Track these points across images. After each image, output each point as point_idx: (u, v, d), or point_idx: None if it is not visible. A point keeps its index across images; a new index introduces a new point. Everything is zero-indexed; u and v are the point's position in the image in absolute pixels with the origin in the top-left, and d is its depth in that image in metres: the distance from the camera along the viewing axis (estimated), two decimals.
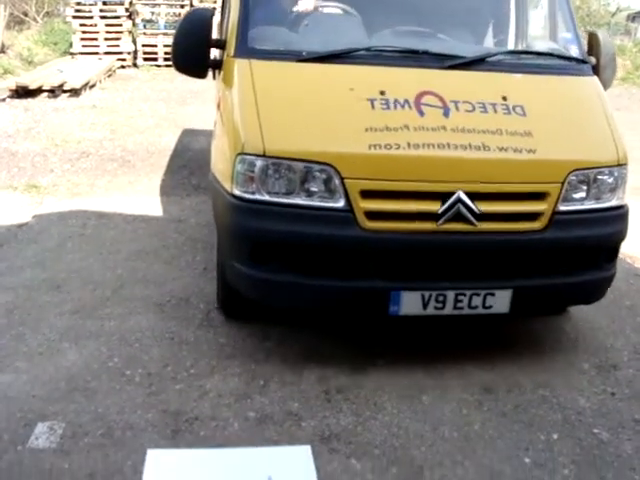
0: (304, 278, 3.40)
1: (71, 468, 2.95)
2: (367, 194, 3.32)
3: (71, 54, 16.20)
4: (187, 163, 7.82)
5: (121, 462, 2.99)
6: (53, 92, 11.49)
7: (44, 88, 11.53)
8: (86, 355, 3.80)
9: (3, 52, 15.38)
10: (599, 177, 3.62)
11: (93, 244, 5.39)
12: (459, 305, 3.46)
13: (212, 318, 4.12)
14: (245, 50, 3.75)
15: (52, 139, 8.73)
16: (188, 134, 9.21)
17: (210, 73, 4.24)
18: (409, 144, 3.34)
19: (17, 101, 11.01)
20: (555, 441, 3.26)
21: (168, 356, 3.82)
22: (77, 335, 4.01)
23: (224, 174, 3.61)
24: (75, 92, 11.64)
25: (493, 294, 3.48)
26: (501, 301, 3.51)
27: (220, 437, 3.19)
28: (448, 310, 3.47)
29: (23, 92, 11.31)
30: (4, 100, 11.08)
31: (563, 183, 3.51)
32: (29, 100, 11.10)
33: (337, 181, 3.31)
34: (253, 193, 3.38)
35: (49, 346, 3.89)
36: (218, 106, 4.30)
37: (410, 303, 3.43)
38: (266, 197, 3.37)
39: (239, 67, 3.71)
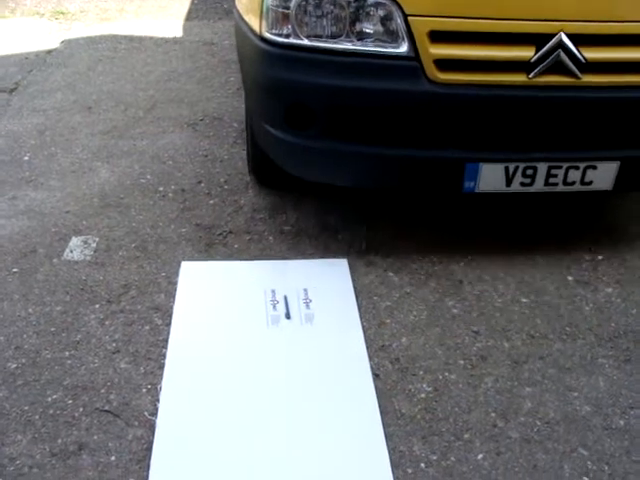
0: (354, 146, 2.75)
1: (106, 279, 2.93)
2: (438, 36, 2.56)
3: None
4: None
5: (155, 273, 2.96)
6: None
7: None
8: (118, 173, 3.73)
9: None
10: None
11: (124, 67, 5.24)
12: (552, 181, 2.81)
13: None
14: None
15: None
16: None
17: None
18: None
19: None
20: (600, 261, 3.15)
21: (201, 173, 3.74)
22: (109, 154, 3.94)
23: (251, 10, 2.89)
24: None
25: (595, 167, 2.79)
26: (604, 176, 2.83)
27: (255, 250, 3.13)
28: (538, 187, 2.83)
29: None
30: None
31: None
32: None
33: (399, 19, 2.56)
34: (288, 36, 2.66)
35: (81, 165, 3.83)
36: None
37: (490, 178, 2.78)
38: (305, 41, 2.64)
39: None
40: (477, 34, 2.57)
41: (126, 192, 3.55)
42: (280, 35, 2.68)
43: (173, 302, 2.78)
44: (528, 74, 2.62)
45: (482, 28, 2.56)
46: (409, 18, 2.55)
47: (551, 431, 2.30)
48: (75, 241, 3.16)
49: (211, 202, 3.47)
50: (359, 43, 2.63)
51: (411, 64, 2.61)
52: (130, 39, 5.85)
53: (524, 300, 2.89)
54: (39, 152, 3.97)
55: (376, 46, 2.62)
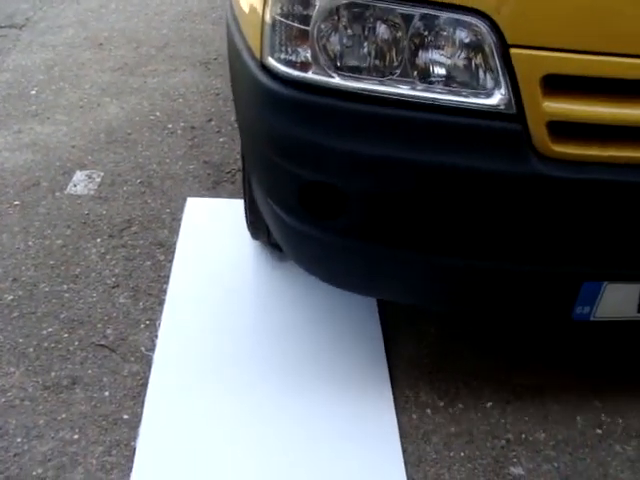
0: (406, 253, 1.72)
1: (109, 213, 2.84)
2: (557, 83, 1.50)
3: None
4: None
5: (159, 210, 2.87)
6: None
7: None
8: (127, 109, 3.62)
9: None
10: None
11: (138, 5, 5.09)
12: None
13: None
14: None
15: None
16: None
17: None
18: None
19: None
20: None
21: (212, 111, 3.61)
22: (119, 90, 3.82)
23: (249, 21, 1.79)
24: None
25: None
26: None
27: None
28: None
29: None
30: None
31: None
32: None
33: (494, 50, 1.49)
34: (306, 67, 1.59)
35: (89, 100, 3.71)
36: None
37: (616, 302, 1.80)
38: (334, 79, 1.57)
39: None
40: (626, 83, 1.51)
41: (134, 128, 3.44)
42: (293, 64, 1.60)
43: (177, 238, 2.69)
44: None
45: (629, 72, 1.49)
46: (512, 50, 1.48)
47: (565, 381, 2.20)
48: (79, 175, 3.07)
49: (221, 140, 3.35)
50: (423, 87, 1.55)
51: (509, 126, 1.54)
52: None
53: None
54: (47, 87, 3.85)
55: (452, 93, 1.55)
